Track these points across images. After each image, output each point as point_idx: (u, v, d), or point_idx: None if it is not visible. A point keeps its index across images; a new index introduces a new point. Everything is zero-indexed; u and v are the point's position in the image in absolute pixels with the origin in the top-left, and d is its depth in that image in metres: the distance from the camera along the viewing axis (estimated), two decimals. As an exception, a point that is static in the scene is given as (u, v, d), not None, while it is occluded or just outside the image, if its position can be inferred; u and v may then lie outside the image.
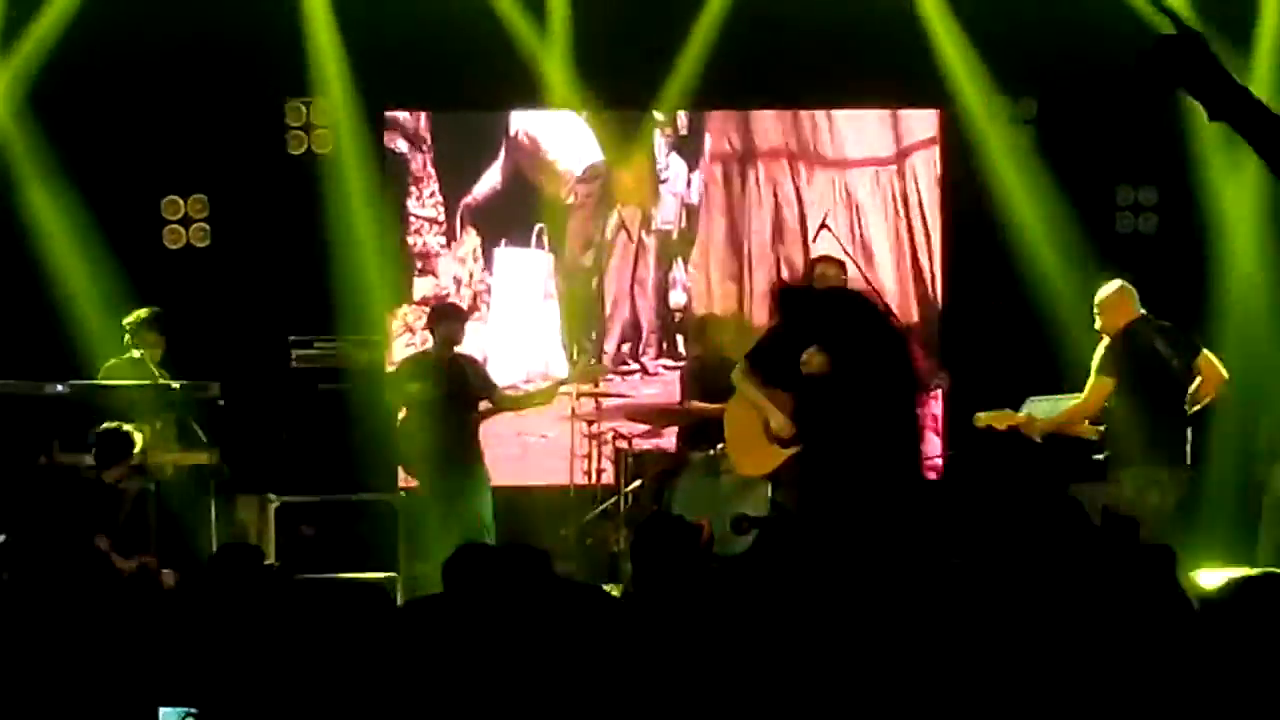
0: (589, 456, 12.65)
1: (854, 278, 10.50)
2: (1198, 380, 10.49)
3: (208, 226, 13.34)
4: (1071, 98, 13.52)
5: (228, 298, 13.01)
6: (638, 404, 13.07)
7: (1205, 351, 10.61)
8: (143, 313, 11.35)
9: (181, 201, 13.34)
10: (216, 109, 13.06)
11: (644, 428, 12.73)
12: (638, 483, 12.22)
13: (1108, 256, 13.42)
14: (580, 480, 12.66)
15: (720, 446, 11.11)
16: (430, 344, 11.96)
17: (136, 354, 11.20)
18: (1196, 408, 10.48)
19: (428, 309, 12.68)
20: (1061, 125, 13.62)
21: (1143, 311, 10.63)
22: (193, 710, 4.67)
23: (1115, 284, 10.78)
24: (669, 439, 12.61)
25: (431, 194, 14.05)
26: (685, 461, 11.98)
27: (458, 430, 11.67)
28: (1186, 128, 12.87)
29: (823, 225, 13.37)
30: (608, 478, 12.58)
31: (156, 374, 11.04)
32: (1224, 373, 10.59)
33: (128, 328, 11.32)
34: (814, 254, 12.12)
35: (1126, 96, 12.73)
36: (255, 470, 11.86)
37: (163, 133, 13.01)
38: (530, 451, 13.68)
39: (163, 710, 4.75)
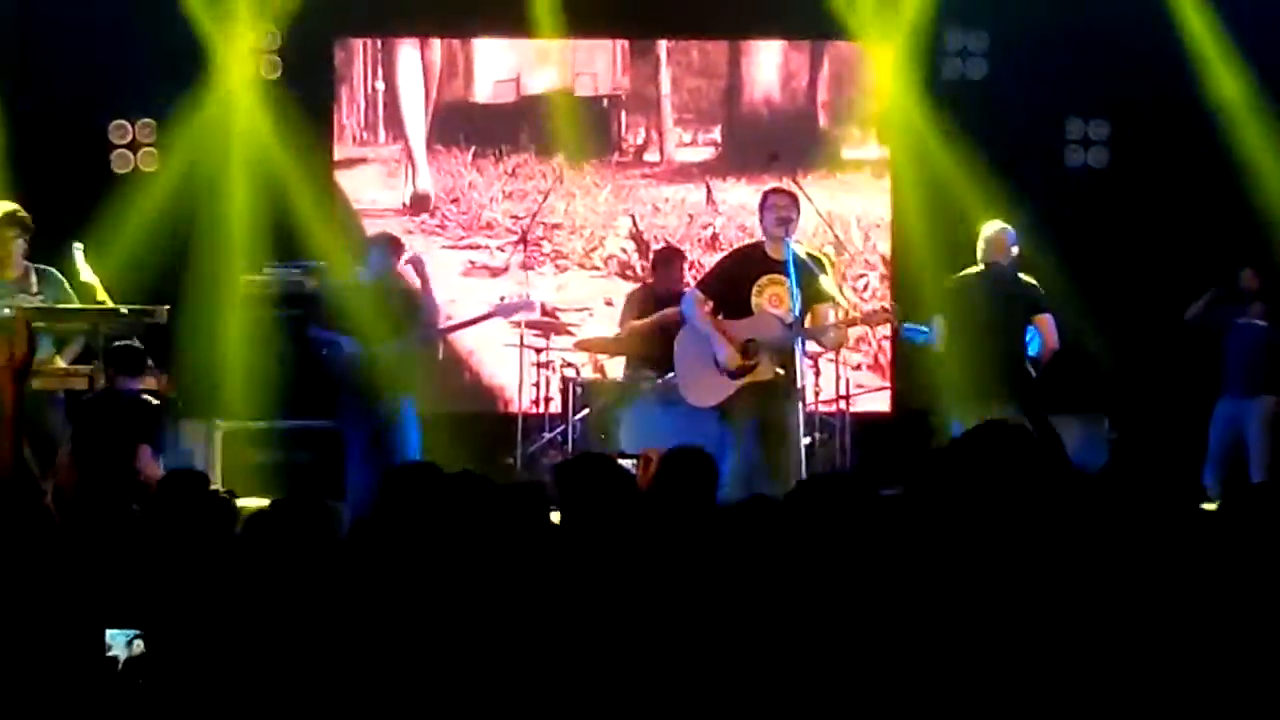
0: (537, 385, 12.64)
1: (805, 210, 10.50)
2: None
3: (155, 151, 13.25)
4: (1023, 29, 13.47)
5: (176, 223, 12.92)
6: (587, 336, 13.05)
7: (1044, 316, 10.81)
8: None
9: (129, 126, 13.25)
10: (163, 32, 12.95)
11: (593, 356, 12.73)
12: (585, 411, 12.23)
13: (1057, 191, 13.50)
14: (528, 409, 12.65)
15: (669, 376, 11.12)
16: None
17: None
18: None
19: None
20: (1012, 58, 13.60)
21: (994, 260, 10.79)
22: (139, 632, 4.67)
23: (987, 224, 10.99)
24: (618, 368, 12.63)
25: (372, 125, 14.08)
26: (633, 391, 12.00)
27: (388, 359, 11.61)
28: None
29: (773, 156, 13.37)
30: (555, 406, 12.58)
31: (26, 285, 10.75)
32: (1054, 343, 10.82)
33: None
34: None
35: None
36: (202, 396, 11.83)
37: (110, 57, 12.89)
38: (478, 379, 13.68)
39: (110, 632, 4.74)
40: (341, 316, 11.42)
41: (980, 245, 10.95)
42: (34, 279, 10.63)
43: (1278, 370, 11.37)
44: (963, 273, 11.03)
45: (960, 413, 10.51)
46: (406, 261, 11.72)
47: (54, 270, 10.76)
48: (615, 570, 4.84)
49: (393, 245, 11.80)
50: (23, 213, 10.71)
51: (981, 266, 10.91)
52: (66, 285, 10.72)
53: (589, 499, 5.79)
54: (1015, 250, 10.95)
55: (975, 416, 10.10)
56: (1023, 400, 10.46)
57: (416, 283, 11.59)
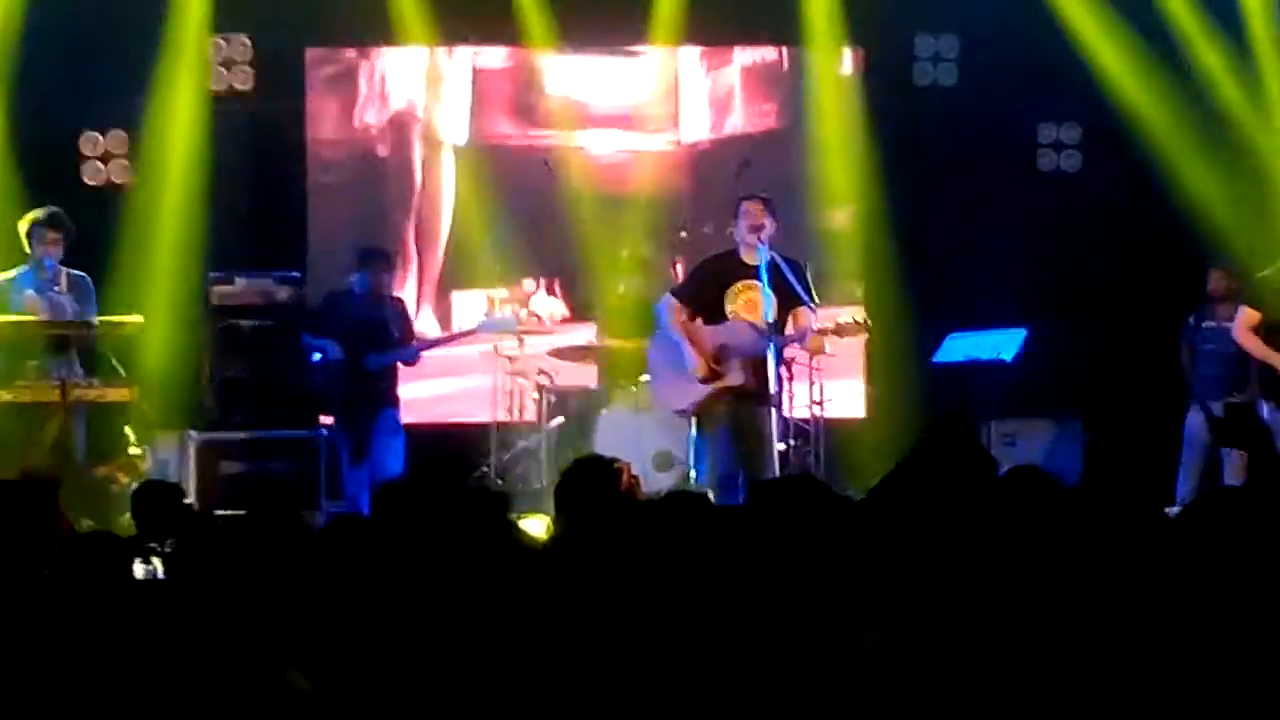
0: (512, 394, 12.66)
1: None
2: None
3: (127, 163, 13.23)
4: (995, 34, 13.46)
5: (148, 234, 12.89)
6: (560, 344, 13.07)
7: None
8: (39, 213, 10.90)
9: (100, 138, 13.22)
10: (136, 44, 12.92)
11: (566, 364, 12.72)
12: (560, 419, 12.24)
13: (1030, 196, 13.53)
14: (504, 418, 12.66)
15: (643, 379, 11.15)
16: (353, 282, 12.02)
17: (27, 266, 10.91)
18: None
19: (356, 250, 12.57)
20: (984, 63, 13.60)
21: None
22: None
23: None
24: (591, 376, 12.64)
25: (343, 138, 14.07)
26: (608, 397, 12.03)
27: (372, 371, 11.71)
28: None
29: (745, 163, 13.35)
30: (530, 415, 12.60)
31: (59, 285, 10.82)
32: None
33: (24, 229, 10.86)
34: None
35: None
36: (175, 406, 11.82)
37: (81, 68, 12.85)
38: (453, 389, 13.67)
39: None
40: (331, 324, 11.61)
41: None
42: (64, 282, 10.73)
43: (1249, 374, 11.38)
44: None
45: None
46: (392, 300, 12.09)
47: (87, 278, 10.86)
48: (614, 577, 4.82)
49: (382, 258, 12.00)
50: (63, 214, 10.89)
51: None
52: (94, 296, 10.84)
53: (591, 504, 5.78)
54: None
55: None
56: None
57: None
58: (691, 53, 14.26)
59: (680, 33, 13.71)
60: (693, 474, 10.69)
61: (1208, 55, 13.12)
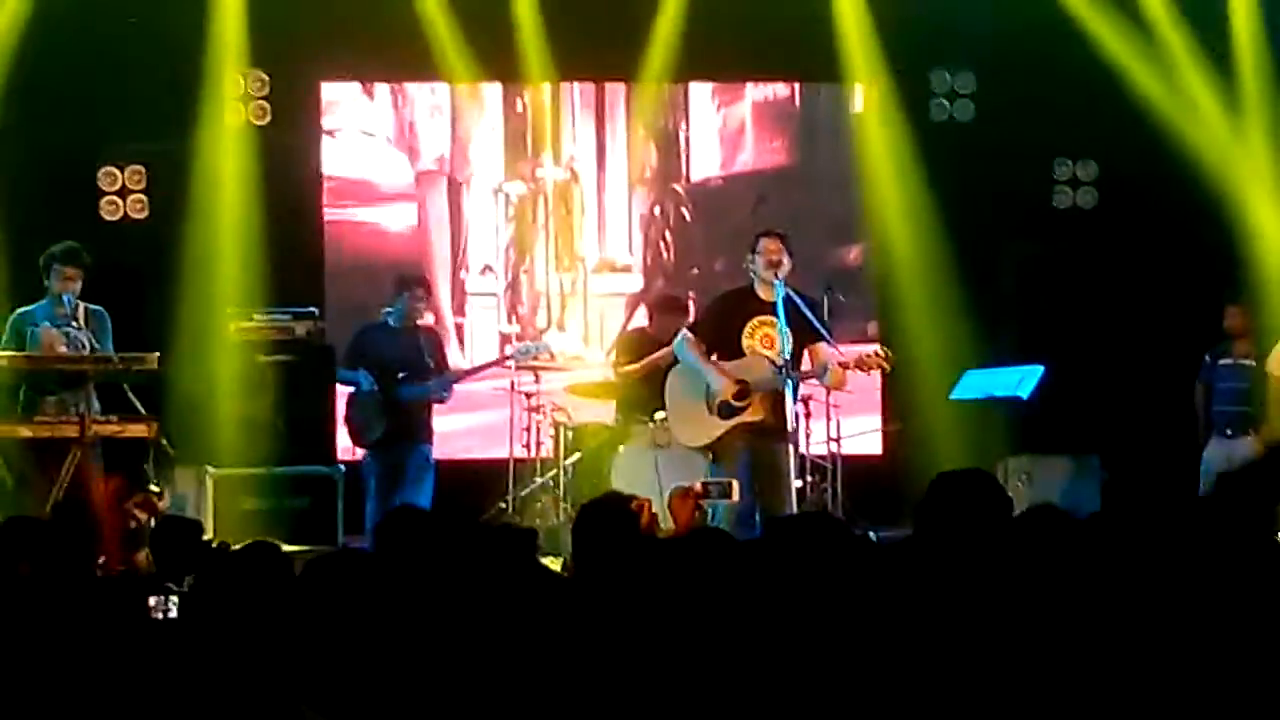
0: (528, 430, 12.66)
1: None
2: None
3: (145, 198, 13.25)
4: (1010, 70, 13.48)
5: (166, 269, 12.91)
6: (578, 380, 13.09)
7: None
8: (56, 248, 10.93)
9: (119, 173, 13.25)
10: (155, 78, 12.95)
11: (582, 400, 12.73)
12: (577, 455, 12.24)
13: (1045, 232, 13.53)
14: (520, 454, 12.66)
15: (660, 418, 11.14)
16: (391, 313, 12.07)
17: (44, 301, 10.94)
18: None
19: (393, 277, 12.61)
20: (1000, 99, 13.62)
21: None
22: None
23: None
24: (608, 413, 12.63)
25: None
26: (625, 434, 12.02)
27: (406, 404, 11.76)
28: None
29: (761, 199, 13.38)
30: (547, 451, 12.59)
31: (76, 320, 10.84)
32: None
33: (42, 264, 10.90)
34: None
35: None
36: (194, 442, 11.83)
37: (100, 103, 12.89)
38: (469, 424, 13.68)
39: None
40: (363, 356, 11.65)
41: None
42: (82, 316, 10.76)
43: (1264, 411, 11.39)
44: None
45: None
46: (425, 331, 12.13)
47: (103, 311, 10.89)
48: (634, 613, 4.82)
49: (420, 285, 12.05)
50: (81, 249, 10.90)
51: None
52: (110, 330, 10.87)
53: (610, 542, 5.78)
54: None
55: None
56: None
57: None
58: (703, 89, 14.33)
59: (680, 68, 13.74)
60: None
61: (1195, 84, 13.15)
